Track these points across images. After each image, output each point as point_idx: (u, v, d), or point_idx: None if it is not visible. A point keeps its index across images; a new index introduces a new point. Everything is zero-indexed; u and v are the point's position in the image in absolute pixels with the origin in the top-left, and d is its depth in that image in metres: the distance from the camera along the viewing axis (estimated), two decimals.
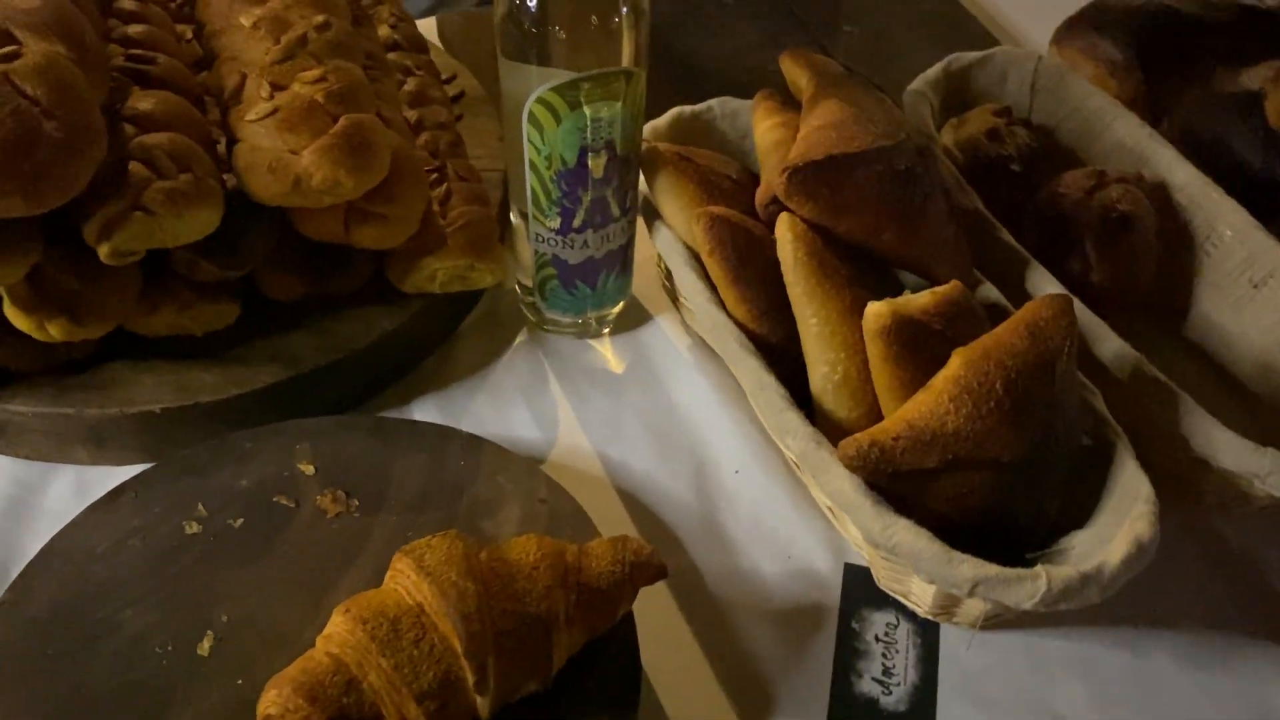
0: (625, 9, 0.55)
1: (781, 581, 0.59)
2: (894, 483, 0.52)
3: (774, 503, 0.62)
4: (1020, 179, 0.75)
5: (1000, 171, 0.75)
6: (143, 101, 0.58)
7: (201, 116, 0.61)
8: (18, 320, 0.56)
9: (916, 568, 0.50)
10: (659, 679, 0.54)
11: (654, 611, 0.56)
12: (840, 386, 0.57)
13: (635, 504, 0.62)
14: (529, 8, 0.55)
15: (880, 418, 0.55)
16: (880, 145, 0.58)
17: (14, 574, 0.54)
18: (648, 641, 0.52)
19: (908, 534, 0.50)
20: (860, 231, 0.59)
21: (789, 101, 0.69)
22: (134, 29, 0.63)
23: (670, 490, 0.63)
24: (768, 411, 0.58)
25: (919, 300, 0.54)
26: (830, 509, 0.60)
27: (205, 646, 0.50)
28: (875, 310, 0.54)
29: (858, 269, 0.59)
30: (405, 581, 0.47)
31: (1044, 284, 0.64)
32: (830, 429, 0.57)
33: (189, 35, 0.68)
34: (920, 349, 0.53)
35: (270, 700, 0.44)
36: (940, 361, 0.53)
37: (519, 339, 0.71)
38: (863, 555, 0.59)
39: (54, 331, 0.56)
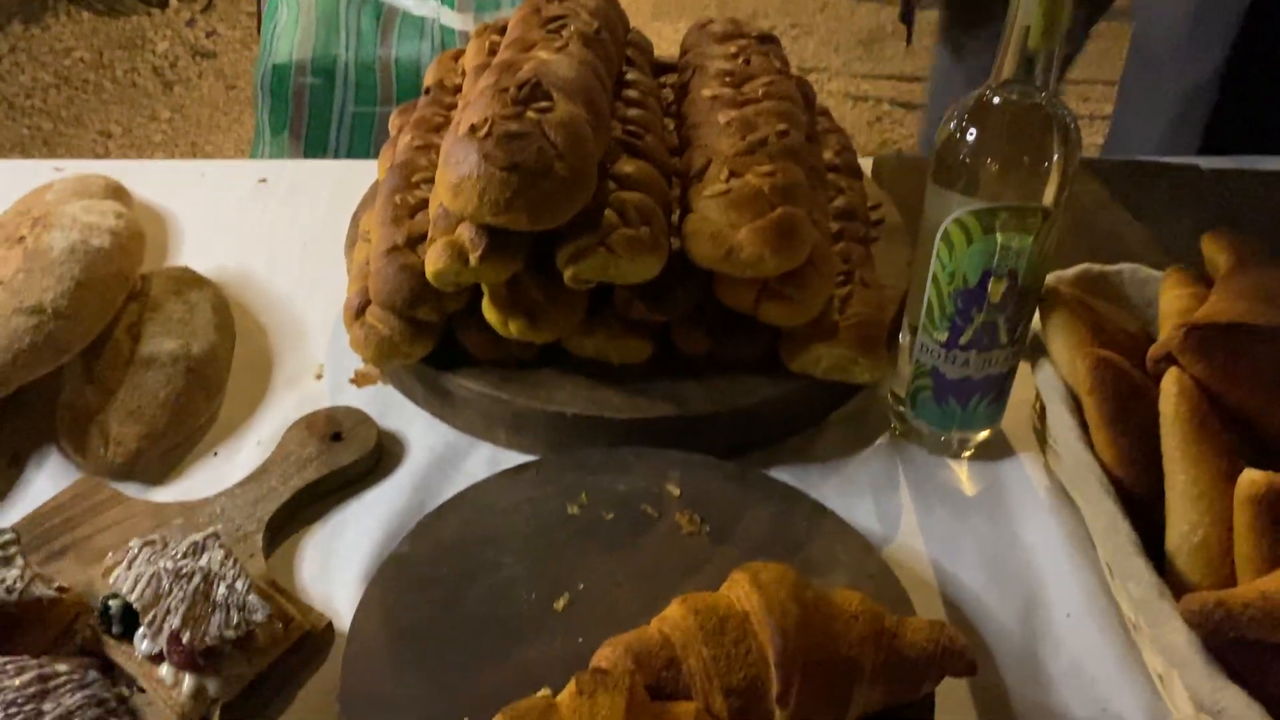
0: (1057, 155, 0.60)
1: None
2: (1234, 651, 0.51)
3: (1100, 655, 0.62)
4: None
5: None
6: (627, 166, 0.71)
7: (667, 188, 0.73)
8: (490, 314, 0.70)
9: None
10: None
11: (953, 713, 0.57)
12: (1197, 550, 0.57)
13: (958, 615, 0.64)
14: (967, 141, 0.62)
15: None
16: None
17: (429, 509, 0.67)
18: None
19: (1237, 701, 0.49)
20: (1251, 406, 0.59)
21: (1202, 279, 0.70)
22: (633, 112, 0.77)
23: (996, 614, 0.64)
24: (1116, 554, 0.58)
25: None
26: (1160, 677, 0.58)
27: (560, 604, 0.59)
28: (1251, 478, 0.53)
29: (1241, 440, 0.58)
30: (739, 590, 0.53)
31: None
32: (1177, 590, 0.56)
33: (671, 127, 0.82)
34: None
35: (604, 655, 0.52)
36: None
37: (880, 440, 0.76)
38: None
39: (514, 329, 0.69)
